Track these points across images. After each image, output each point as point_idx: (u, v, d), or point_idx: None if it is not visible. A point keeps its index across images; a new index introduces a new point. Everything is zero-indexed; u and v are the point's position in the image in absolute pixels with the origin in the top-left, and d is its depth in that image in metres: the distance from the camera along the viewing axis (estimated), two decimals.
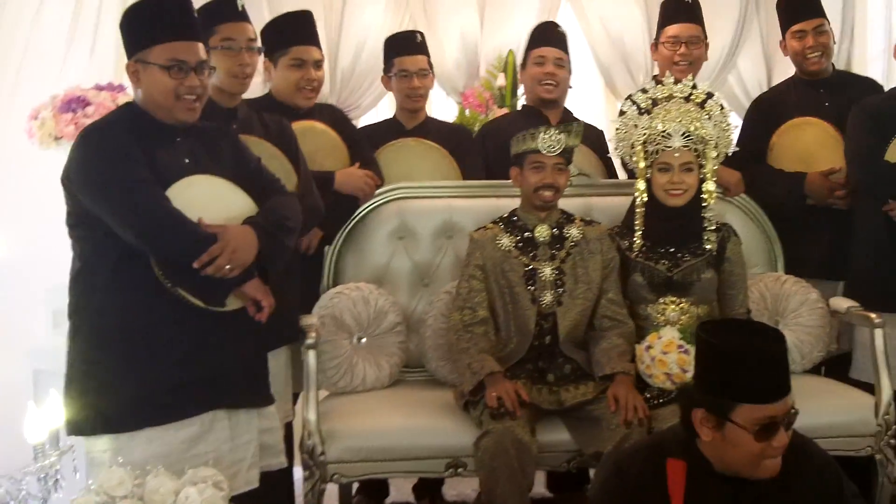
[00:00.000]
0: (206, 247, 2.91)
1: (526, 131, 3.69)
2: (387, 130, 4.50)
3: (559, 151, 3.64)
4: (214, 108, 3.47)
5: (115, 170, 2.90)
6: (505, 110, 5.28)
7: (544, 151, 3.64)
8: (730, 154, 3.89)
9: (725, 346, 2.50)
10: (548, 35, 4.53)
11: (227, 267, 2.94)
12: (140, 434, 2.95)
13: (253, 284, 3.04)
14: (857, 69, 5.61)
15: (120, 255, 2.95)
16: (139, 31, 3.02)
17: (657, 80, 4.07)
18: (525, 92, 4.61)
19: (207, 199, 3.03)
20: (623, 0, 5.64)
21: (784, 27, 4.48)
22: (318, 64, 4.08)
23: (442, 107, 5.77)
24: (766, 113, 4.49)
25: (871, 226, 4.13)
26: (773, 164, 4.37)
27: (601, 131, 4.61)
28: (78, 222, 3.02)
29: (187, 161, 3.05)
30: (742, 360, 2.46)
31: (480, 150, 4.47)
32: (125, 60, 3.07)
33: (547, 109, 4.44)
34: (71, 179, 2.97)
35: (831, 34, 4.45)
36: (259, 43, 3.79)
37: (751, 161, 4.29)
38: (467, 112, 5.39)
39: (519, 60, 4.93)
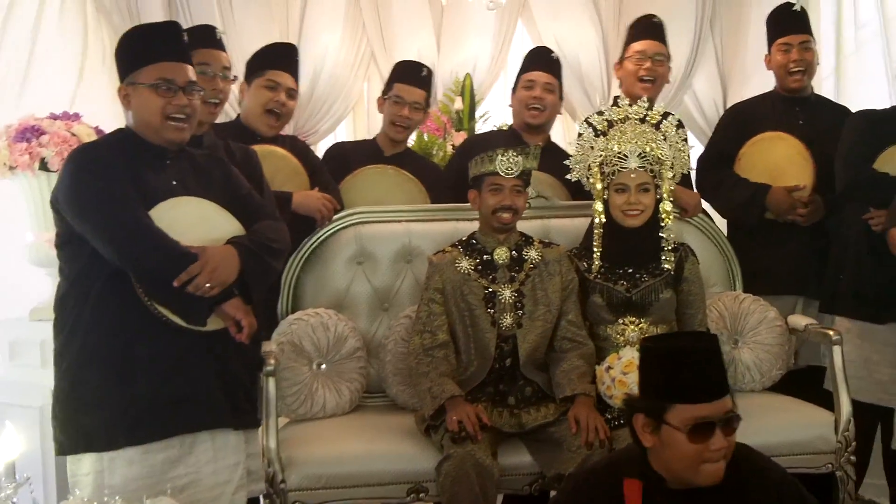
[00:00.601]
0: (185, 265, 2.95)
1: (484, 154, 3.70)
2: (365, 152, 4.51)
3: (517, 173, 3.65)
4: None
5: (98, 187, 2.95)
6: (463, 134, 5.28)
7: (502, 173, 3.64)
8: (686, 173, 3.92)
9: (660, 348, 2.57)
10: (540, 59, 4.59)
11: (207, 285, 2.97)
12: (121, 456, 2.97)
13: (233, 304, 3.06)
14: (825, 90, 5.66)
15: (107, 275, 2.98)
16: (130, 55, 3.10)
17: (615, 101, 4.09)
18: (513, 116, 4.62)
19: (192, 220, 3.07)
20: (578, 23, 5.67)
21: (771, 40, 4.56)
22: (290, 92, 4.15)
23: None
24: (741, 121, 4.57)
25: (851, 233, 4.16)
26: (740, 173, 4.43)
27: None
28: (65, 242, 3.08)
29: (175, 183, 3.09)
30: (673, 360, 2.51)
31: (456, 165, 4.49)
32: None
33: (530, 134, 4.46)
34: (58, 199, 3.03)
35: (816, 54, 4.51)
36: (233, 72, 3.83)
37: (717, 164, 4.33)
38: (426, 136, 5.39)
39: (482, 89, 4.95)
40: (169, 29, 3.18)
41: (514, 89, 4.57)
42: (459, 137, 5.22)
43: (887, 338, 4.06)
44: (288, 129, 5.56)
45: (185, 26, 4.56)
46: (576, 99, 5.65)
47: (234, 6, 5.51)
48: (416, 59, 5.54)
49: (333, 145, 4.82)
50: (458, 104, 5.44)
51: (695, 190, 4.48)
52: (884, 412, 4.14)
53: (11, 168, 4.17)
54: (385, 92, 4.55)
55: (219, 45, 3.81)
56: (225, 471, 3.14)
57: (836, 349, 3.80)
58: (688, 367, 2.48)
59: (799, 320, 4.09)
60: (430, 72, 4.62)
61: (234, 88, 4.14)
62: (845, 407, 3.73)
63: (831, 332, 3.84)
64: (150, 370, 2.99)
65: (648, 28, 4.63)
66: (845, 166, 4.13)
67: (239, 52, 5.40)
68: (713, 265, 4.30)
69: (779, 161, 4.37)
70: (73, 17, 5.07)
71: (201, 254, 2.98)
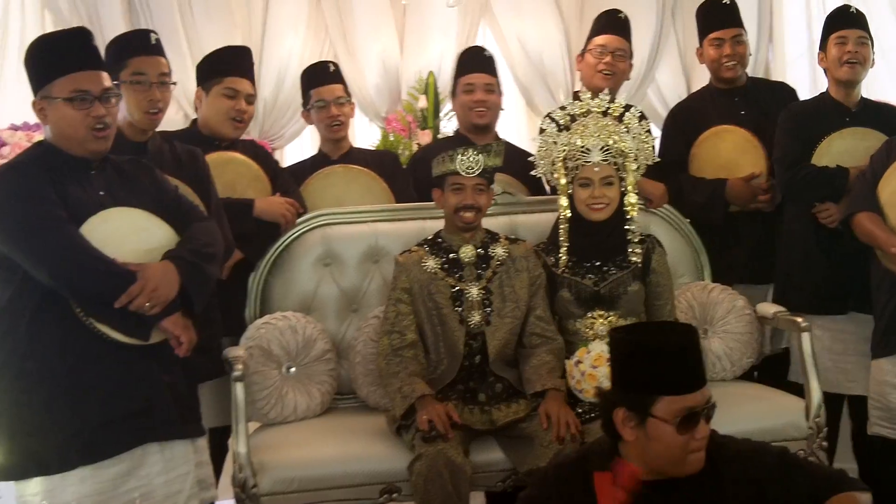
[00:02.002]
0: (124, 285, 2.89)
1: (445, 153, 3.69)
2: (312, 165, 4.46)
3: (478, 172, 3.64)
4: (124, 142, 3.45)
5: (25, 210, 2.88)
6: (428, 132, 5.27)
7: (463, 173, 3.63)
8: (650, 164, 3.92)
9: (642, 342, 2.55)
10: (475, 61, 4.53)
11: (147, 305, 2.92)
12: (71, 474, 2.92)
13: (172, 321, 3.02)
14: (777, 74, 5.70)
15: (41, 296, 2.92)
16: (41, 68, 3.01)
17: (576, 96, 4.09)
18: (458, 119, 4.60)
19: (124, 232, 3.01)
20: (541, 20, 5.68)
21: (702, 34, 4.56)
22: (249, 98, 4.09)
23: (366, 133, 5.76)
24: (684, 123, 4.56)
25: (797, 229, 4.20)
26: (696, 174, 4.43)
27: (525, 152, 4.57)
28: None
29: (102, 194, 3.03)
30: (659, 354, 2.49)
31: (411, 179, 4.45)
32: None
33: (478, 135, 4.42)
34: None
35: (748, 45, 4.53)
36: (173, 78, 3.74)
37: (673, 171, 4.33)
38: (391, 136, 5.38)
39: (446, 88, 4.92)
40: (78, 36, 3.08)
41: (454, 93, 4.53)
42: (424, 136, 5.22)
43: (846, 326, 4.12)
44: (253, 134, 5.57)
45: (145, 29, 4.60)
46: (539, 96, 5.65)
47: (195, 10, 5.49)
48: (380, 60, 5.57)
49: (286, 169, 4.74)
50: (423, 103, 5.43)
51: None
52: (848, 398, 4.20)
53: None
54: (305, 103, 4.49)
55: (155, 50, 3.70)
56: (176, 481, 3.10)
57: (805, 336, 3.81)
58: (674, 359, 2.48)
59: (767, 308, 4.09)
60: (336, 65, 4.58)
61: (182, 94, 4.07)
62: (815, 393, 3.74)
63: (799, 320, 3.85)
64: (97, 389, 2.94)
65: (612, 23, 4.62)
66: (783, 168, 4.17)
67: (200, 57, 5.42)
68: (681, 256, 4.30)
69: (730, 154, 4.36)
70: (31, 25, 5.05)
71: (140, 272, 2.93)
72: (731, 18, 4.50)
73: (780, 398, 3.88)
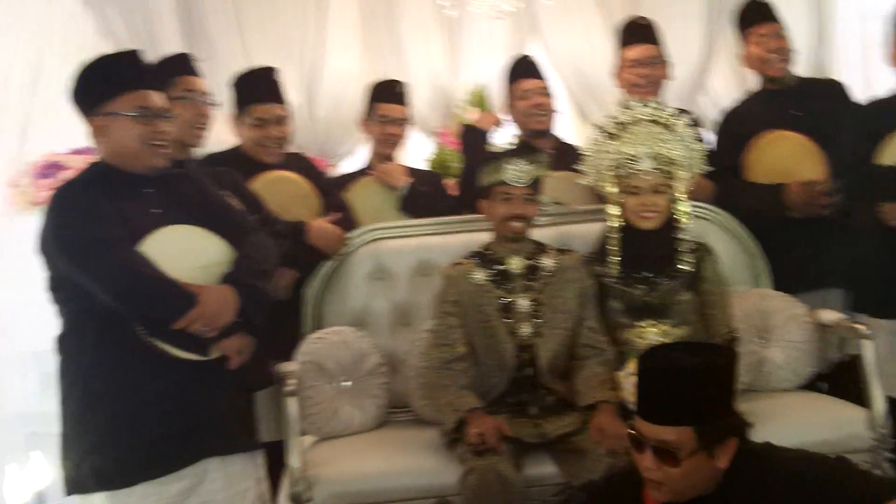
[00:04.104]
0: (184, 308, 2.94)
1: (492, 162, 3.68)
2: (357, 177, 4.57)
3: (526, 182, 3.62)
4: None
5: (87, 231, 2.94)
6: (485, 114, 5.27)
7: (512, 182, 3.62)
8: (702, 172, 3.88)
9: (641, 360, 2.56)
10: (525, 67, 4.64)
11: (205, 329, 2.98)
12: (135, 490, 2.98)
13: (228, 343, 3.07)
14: (832, 74, 5.58)
15: (104, 315, 2.97)
16: (101, 86, 3.06)
17: (626, 105, 4.05)
18: (518, 126, 4.63)
19: (179, 250, 3.06)
20: (590, 34, 5.62)
21: (743, 34, 4.52)
22: (280, 120, 4.14)
23: (420, 147, 5.76)
24: (736, 129, 4.49)
25: (865, 230, 4.09)
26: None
27: None
28: (59, 285, 3.05)
29: (158, 211, 3.07)
30: (640, 374, 2.52)
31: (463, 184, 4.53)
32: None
33: (539, 140, 4.45)
34: (45, 244, 3.01)
35: (789, 41, 4.47)
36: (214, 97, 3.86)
37: (726, 177, 4.28)
38: (445, 150, 5.38)
39: (497, 101, 4.93)
40: (136, 56, 3.15)
41: (510, 102, 4.57)
42: (479, 116, 5.20)
43: None
44: (311, 152, 5.61)
45: (202, 54, 4.66)
46: (590, 108, 5.60)
47: (250, 34, 5.53)
48: (430, 76, 5.58)
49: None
50: (473, 114, 5.42)
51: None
52: None
53: (35, 204, 4.25)
54: (366, 114, 4.59)
55: (197, 71, 3.85)
56: (237, 497, 3.14)
57: (867, 344, 3.71)
58: (646, 381, 2.48)
59: (828, 315, 4.00)
60: (404, 86, 4.68)
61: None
62: (879, 403, 3.64)
63: (861, 327, 3.77)
64: (158, 406, 3.00)
65: (638, 32, 4.61)
66: (846, 168, 4.07)
67: None
68: (737, 263, 4.23)
69: (786, 161, 4.26)
70: (90, 49, 5.12)
71: (199, 295, 2.98)
72: (770, 14, 4.46)
73: (842, 408, 3.77)
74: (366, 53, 5.73)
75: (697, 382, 2.42)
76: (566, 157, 4.38)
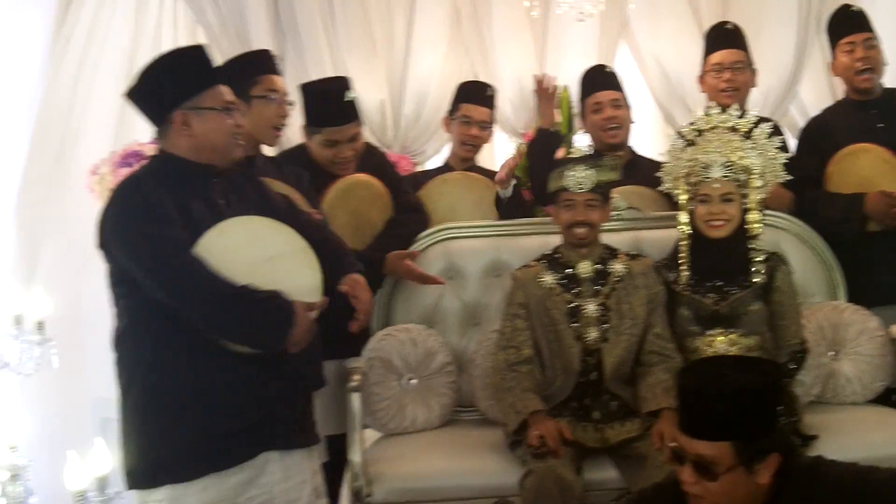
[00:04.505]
0: (281, 337, 2.96)
1: (557, 169, 3.69)
2: (436, 175, 4.58)
3: (590, 188, 3.62)
4: None
5: (150, 231, 2.91)
6: (562, 147, 5.26)
7: (573, 189, 3.62)
8: (781, 182, 3.83)
9: (684, 373, 2.59)
10: (598, 79, 4.56)
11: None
12: (195, 483, 2.97)
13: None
14: None
15: (166, 315, 2.95)
16: (190, 79, 3.05)
17: (706, 111, 4.02)
18: (592, 140, 4.57)
19: (243, 243, 3.01)
20: (680, 38, 5.56)
21: (833, 43, 4.45)
22: (353, 138, 4.06)
23: (505, 149, 5.76)
24: (819, 138, 4.42)
25: None
26: None
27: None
28: (121, 280, 3.01)
29: (222, 202, 3.08)
30: (679, 389, 2.50)
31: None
32: None
33: (613, 153, 4.40)
34: (107, 240, 2.99)
35: (881, 52, 4.37)
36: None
37: (806, 187, 4.22)
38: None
39: (576, 109, 4.93)
40: (206, 54, 3.15)
41: (583, 115, 4.55)
42: (559, 151, 5.20)
43: None
44: (394, 148, 5.66)
45: (290, 53, 4.69)
46: (678, 115, 5.54)
47: (338, 29, 5.59)
48: (517, 78, 5.58)
49: (408, 176, 4.78)
50: (557, 116, 5.41)
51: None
52: None
53: None
54: (451, 112, 4.58)
55: (279, 70, 3.84)
56: (294, 489, 3.14)
57: None
58: (688, 397, 2.47)
59: None
60: (493, 90, 4.66)
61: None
62: None
63: None
64: (222, 400, 2.99)
65: (722, 37, 4.57)
66: None
67: (343, 74, 5.53)
68: (813, 275, 4.18)
69: (867, 174, 4.17)
70: (184, 41, 5.24)
71: (296, 319, 2.96)
72: (861, 23, 4.38)
73: None
74: (452, 53, 5.75)
75: (737, 400, 2.39)
76: (637, 170, 4.36)
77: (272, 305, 2.95)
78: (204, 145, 3.05)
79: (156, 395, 2.99)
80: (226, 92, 3.08)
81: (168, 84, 3.05)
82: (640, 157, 4.67)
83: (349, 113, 4.05)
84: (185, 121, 3.02)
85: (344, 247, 3.33)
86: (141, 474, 3.02)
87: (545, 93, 4.48)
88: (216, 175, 3.10)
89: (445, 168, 4.64)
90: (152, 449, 3.00)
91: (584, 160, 3.70)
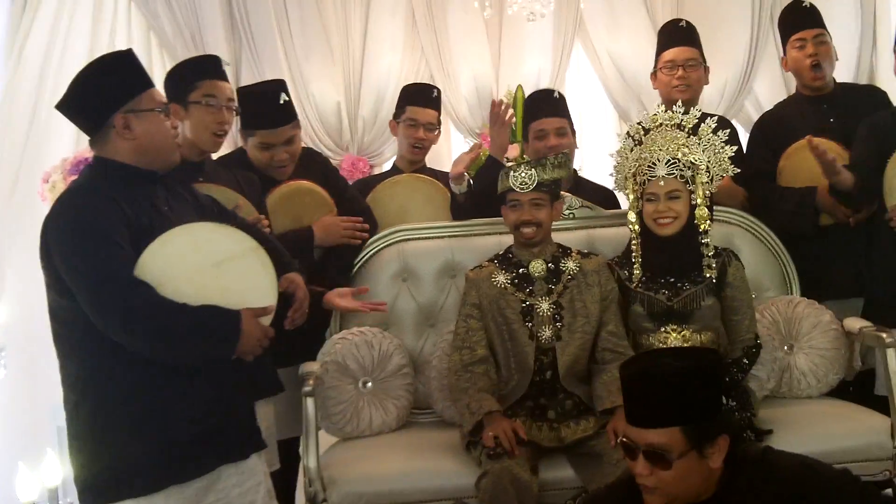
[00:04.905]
0: (229, 345, 2.92)
1: (504, 170, 3.70)
2: (383, 178, 4.59)
3: (534, 187, 3.62)
4: (183, 161, 3.40)
5: (94, 251, 2.83)
6: (516, 146, 5.27)
7: (517, 189, 3.63)
8: (731, 175, 3.84)
9: (625, 366, 2.59)
10: (544, 106, 4.46)
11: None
12: (158, 494, 2.94)
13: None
14: (882, 80, 5.49)
15: None
16: (125, 83, 3.01)
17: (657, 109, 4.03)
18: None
19: (186, 251, 2.93)
20: (635, 36, 5.61)
21: (784, 38, 4.47)
22: (289, 140, 3.99)
23: (460, 149, 5.76)
24: (770, 132, 4.45)
25: (884, 239, 4.05)
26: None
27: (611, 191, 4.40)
28: (66, 290, 2.89)
29: (166, 209, 3.03)
30: (623, 378, 2.53)
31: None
32: None
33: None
34: (49, 252, 2.89)
35: (832, 48, 4.39)
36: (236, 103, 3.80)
37: (759, 182, 4.24)
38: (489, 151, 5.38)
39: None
40: (136, 58, 3.09)
41: (526, 138, 4.53)
42: (513, 150, 5.20)
43: None
44: (351, 150, 5.65)
45: (247, 57, 4.66)
46: (633, 112, 5.58)
47: (293, 31, 5.60)
48: (473, 78, 5.59)
49: (357, 182, 4.83)
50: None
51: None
52: None
53: None
54: (396, 115, 4.57)
55: (224, 76, 3.77)
56: (249, 492, 3.13)
57: (890, 352, 3.67)
58: (631, 385, 2.48)
59: (854, 323, 3.96)
60: (439, 91, 4.64)
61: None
62: None
63: (884, 335, 3.72)
64: (179, 411, 2.94)
65: (675, 34, 4.58)
66: (854, 175, 4.01)
67: (299, 76, 5.54)
68: (766, 269, 4.21)
69: (817, 169, 4.11)
70: (138, 48, 5.22)
71: (241, 325, 2.91)
72: (813, 19, 4.39)
73: (864, 416, 3.74)
74: (408, 54, 5.77)
75: (678, 383, 2.41)
76: (580, 193, 4.31)
77: (214, 323, 2.90)
78: (147, 148, 3.00)
79: (111, 409, 2.92)
80: (159, 94, 3.06)
81: (106, 88, 2.99)
82: (583, 179, 4.64)
83: (284, 115, 3.98)
84: (126, 124, 2.97)
85: (279, 246, 3.31)
86: (99, 490, 2.95)
87: (499, 118, 4.29)
88: (157, 180, 3.06)
89: (394, 171, 4.61)
90: (111, 463, 2.93)
91: (528, 161, 3.73)
